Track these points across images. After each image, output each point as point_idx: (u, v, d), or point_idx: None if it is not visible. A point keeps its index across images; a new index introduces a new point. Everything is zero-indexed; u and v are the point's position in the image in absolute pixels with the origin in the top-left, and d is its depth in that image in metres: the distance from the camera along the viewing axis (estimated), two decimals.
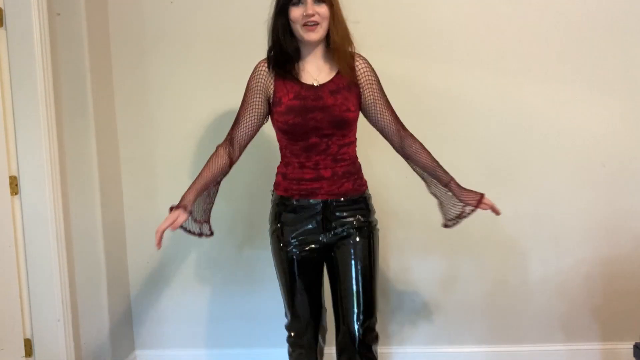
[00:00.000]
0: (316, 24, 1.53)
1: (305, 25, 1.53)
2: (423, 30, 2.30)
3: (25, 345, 2.13)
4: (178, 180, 2.44)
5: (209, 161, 1.69)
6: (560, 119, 2.33)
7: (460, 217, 1.74)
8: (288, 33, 1.57)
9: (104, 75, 2.35)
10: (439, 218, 2.40)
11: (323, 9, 1.52)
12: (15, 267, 2.08)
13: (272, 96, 1.63)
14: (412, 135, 1.74)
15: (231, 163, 1.72)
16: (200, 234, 1.68)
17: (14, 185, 2.06)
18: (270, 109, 1.65)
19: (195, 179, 1.66)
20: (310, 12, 1.50)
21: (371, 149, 2.08)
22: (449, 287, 2.46)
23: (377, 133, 1.80)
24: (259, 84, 1.64)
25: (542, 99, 2.32)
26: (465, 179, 2.37)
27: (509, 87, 2.32)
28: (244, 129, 1.68)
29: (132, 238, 2.51)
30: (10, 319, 2.07)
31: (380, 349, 2.09)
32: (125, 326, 2.52)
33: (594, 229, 2.39)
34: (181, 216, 1.58)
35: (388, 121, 1.71)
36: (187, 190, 1.63)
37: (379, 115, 1.70)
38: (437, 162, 1.74)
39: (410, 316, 2.48)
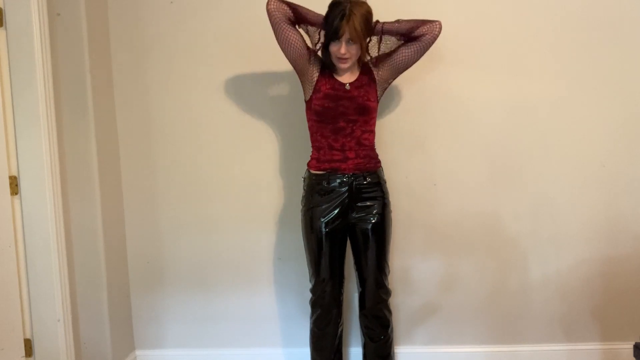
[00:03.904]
0: (347, 59, 1.92)
1: (338, 58, 1.92)
2: None
3: (25, 345, 2.13)
4: (178, 180, 2.46)
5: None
6: (560, 119, 2.33)
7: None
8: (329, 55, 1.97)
9: (104, 75, 2.35)
10: (439, 218, 2.41)
11: (354, 50, 1.91)
12: (15, 267, 2.08)
13: (314, 82, 1.99)
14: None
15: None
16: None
17: (14, 185, 2.06)
18: (310, 96, 2.01)
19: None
20: (342, 51, 1.89)
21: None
22: (449, 287, 2.46)
23: (378, 136, 2.11)
24: (310, 52, 1.99)
25: (542, 100, 2.32)
26: (466, 179, 2.39)
27: (509, 87, 2.32)
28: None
29: (132, 238, 2.51)
30: (10, 319, 2.07)
31: None
32: (125, 326, 2.52)
33: (593, 229, 2.39)
34: None
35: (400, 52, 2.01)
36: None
37: (396, 57, 2.00)
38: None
39: (410, 316, 2.48)
